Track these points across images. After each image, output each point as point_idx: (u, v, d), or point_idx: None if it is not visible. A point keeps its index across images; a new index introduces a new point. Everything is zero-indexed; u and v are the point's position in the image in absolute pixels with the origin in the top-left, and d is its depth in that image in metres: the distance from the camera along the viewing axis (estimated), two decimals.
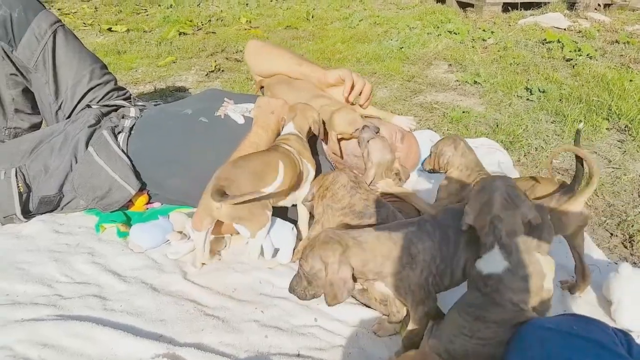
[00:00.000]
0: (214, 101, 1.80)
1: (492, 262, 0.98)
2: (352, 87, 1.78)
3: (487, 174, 1.47)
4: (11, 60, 1.83)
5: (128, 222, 1.68)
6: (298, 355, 1.19)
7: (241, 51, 4.08)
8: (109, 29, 4.80)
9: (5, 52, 1.80)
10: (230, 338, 1.24)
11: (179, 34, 4.63)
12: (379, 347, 1.21)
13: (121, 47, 4.20)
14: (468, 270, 1.09)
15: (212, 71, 3.59)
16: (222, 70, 3.64)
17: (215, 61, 3.77)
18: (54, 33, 1.84)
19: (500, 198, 1.01)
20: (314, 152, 1.66)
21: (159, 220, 1.64)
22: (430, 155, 1.55)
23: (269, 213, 1.40)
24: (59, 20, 1.90)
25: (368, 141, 1.47)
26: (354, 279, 1.07)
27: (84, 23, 5.21)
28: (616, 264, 1.40)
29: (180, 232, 1.59)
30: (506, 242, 0.98)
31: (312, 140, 1.66)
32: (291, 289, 1.12)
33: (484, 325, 0.96)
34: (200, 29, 4.92)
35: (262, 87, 1.86)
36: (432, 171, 1.56)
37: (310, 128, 1.59)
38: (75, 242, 1.61)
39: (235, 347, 1.22)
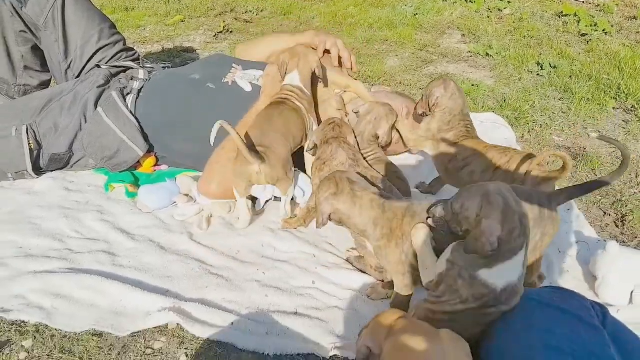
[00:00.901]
0: (221, 67, 1.81)
1: (511, 269, 0.90)
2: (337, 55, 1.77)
3: (470, 122, 1.50)
4: (20, 17, 1.82)
5: (136, 183, 1.73)
6: (296, 313, 1.27)
7: (251, 11, 4.00)
8: None
9: (14, 8, 1.80)
10: (232, 296, 1.31)
11: None
12: (371, 309, 1.28)
13: (129, 3, 4.11)
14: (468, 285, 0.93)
15: (221, 32, 3.53)
16: (231, 32, 3.58)
17: (224, 21, 3.70)
18: None
19: (511, 197, 0.90)
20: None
21: (166, 183, 1.68)
22: (422, 98, 1.55)
23: (293, 170, 1.51)
24: None
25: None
26: (330, 218, 1.17)
27: None
28: (605, 241, 1.45)
29: (187, 195, 1.64)
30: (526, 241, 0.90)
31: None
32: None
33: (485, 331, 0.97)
34: None
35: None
36: (423, 114, 1.55)
37: (313, 73, 1.58)
38: (85, 200, 1.67)
39: (237, 303, 1.29)
